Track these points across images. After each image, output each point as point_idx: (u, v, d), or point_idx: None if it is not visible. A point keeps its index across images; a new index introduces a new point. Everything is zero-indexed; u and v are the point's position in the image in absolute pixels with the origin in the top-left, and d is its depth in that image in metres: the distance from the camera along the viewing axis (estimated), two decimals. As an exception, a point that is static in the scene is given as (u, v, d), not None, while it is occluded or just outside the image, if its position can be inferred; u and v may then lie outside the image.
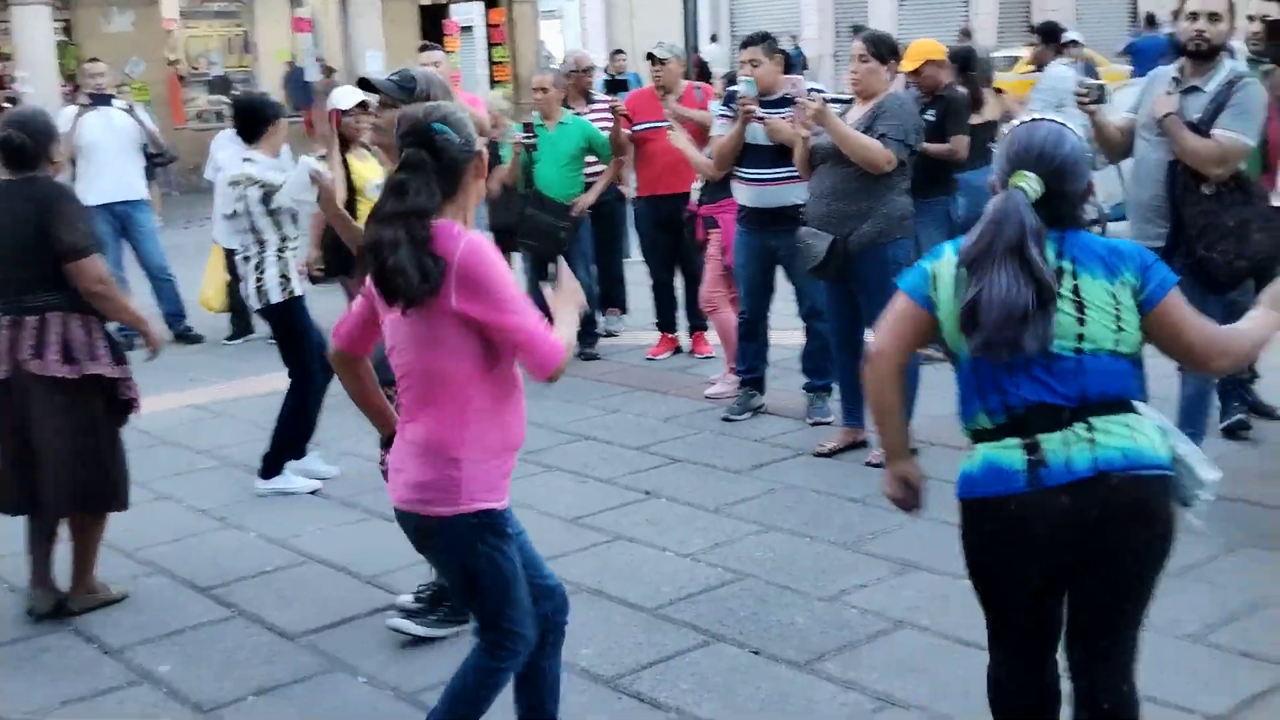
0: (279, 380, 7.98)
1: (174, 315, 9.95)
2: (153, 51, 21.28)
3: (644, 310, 9.03)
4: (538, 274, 8.72)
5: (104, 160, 9.58)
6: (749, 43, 6.99)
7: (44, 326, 4.71)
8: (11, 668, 4.52)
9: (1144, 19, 22.05)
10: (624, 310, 9.44)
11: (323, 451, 6.48)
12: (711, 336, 8.19)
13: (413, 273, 3.03)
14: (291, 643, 4.59)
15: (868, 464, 6.05)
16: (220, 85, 23.08)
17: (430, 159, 3.12)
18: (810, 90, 6.49)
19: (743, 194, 6.94)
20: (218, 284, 9.92)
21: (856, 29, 7.10)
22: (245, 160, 6.19)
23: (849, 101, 6.38)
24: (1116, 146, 5.62)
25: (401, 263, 3.02)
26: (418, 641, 4.50)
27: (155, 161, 10.68)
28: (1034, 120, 2.96)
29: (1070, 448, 2.82)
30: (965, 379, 2.96)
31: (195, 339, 9.86)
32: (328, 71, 21.44)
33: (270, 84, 22.90)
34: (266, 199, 6.02)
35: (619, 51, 17.55)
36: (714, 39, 22.63)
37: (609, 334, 9.13)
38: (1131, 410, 2.89)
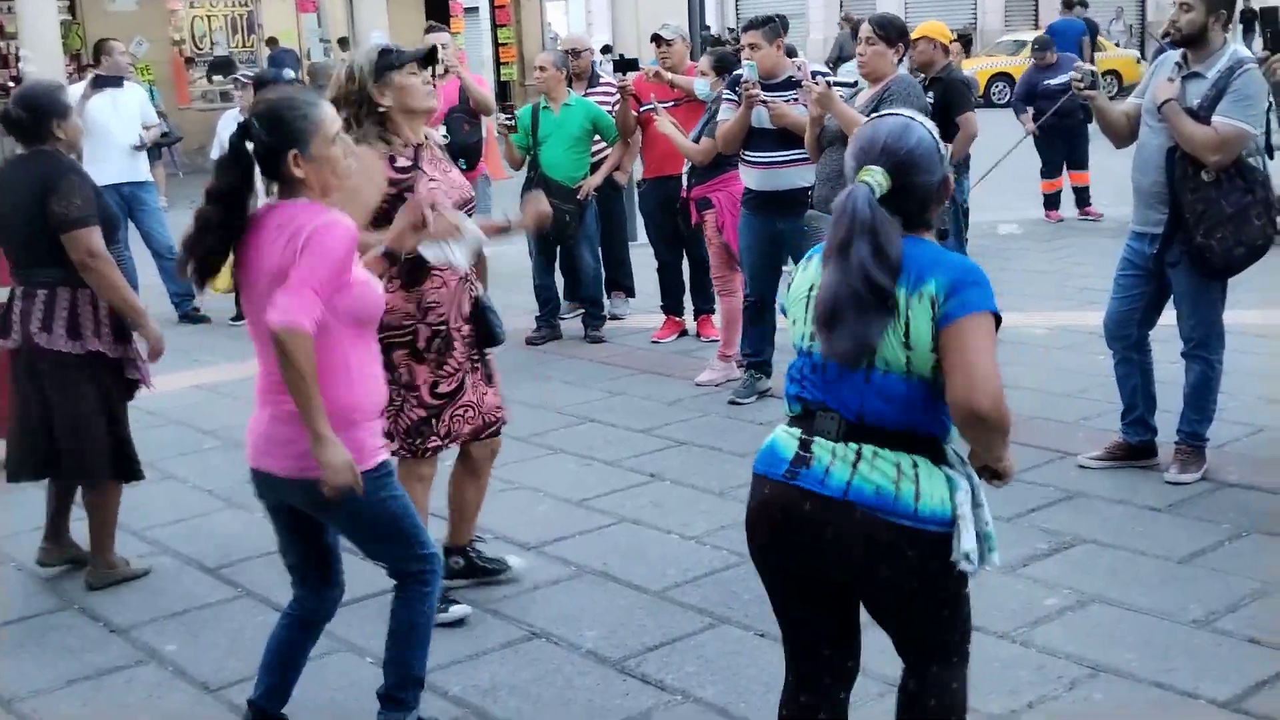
0: (284, 361, 8.01)
1: (181, 295, 9.96)
2: (157, 31, 21.27)
3: (649, 293, 9.02)
4: (544, 257, 8.72)
5: (110, 141, 9.57)
6: (750, 26, 6.99)
7: (53, 300, 4.77)
8: (18, 646, 4.53)
9: (1062, 1, 22.00)
10: (630, 293, 9.44)
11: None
12: (718, 320, 8.18)
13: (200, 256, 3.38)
14: (298, 623, 4.59)
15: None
16: (223, 65, 23.03)
17: (244, 147, 3.31)
18: (815, 74, 6.48)
19: (749, 177, 6.94)
20: (225, 265, 9.91)
21: (754, 23, 7.08)
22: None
23: (854, 85, 6.38)
24: (1121, 131, 5.61)
25: (194, 240, 3.38)
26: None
27: (159, 142, 10.68)
28: (880, 115, 2.85)
29: (834, 463, 2.74)
30: (788, 372, 2.93)
31: (201, 319, 9.87)
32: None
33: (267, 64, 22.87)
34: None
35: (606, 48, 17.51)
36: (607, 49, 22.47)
37: (614, 317, 9.12)
38: (919, 451, 2.73)
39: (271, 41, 23.12)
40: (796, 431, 2.83)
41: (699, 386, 7.42)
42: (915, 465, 2.72)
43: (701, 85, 7.55)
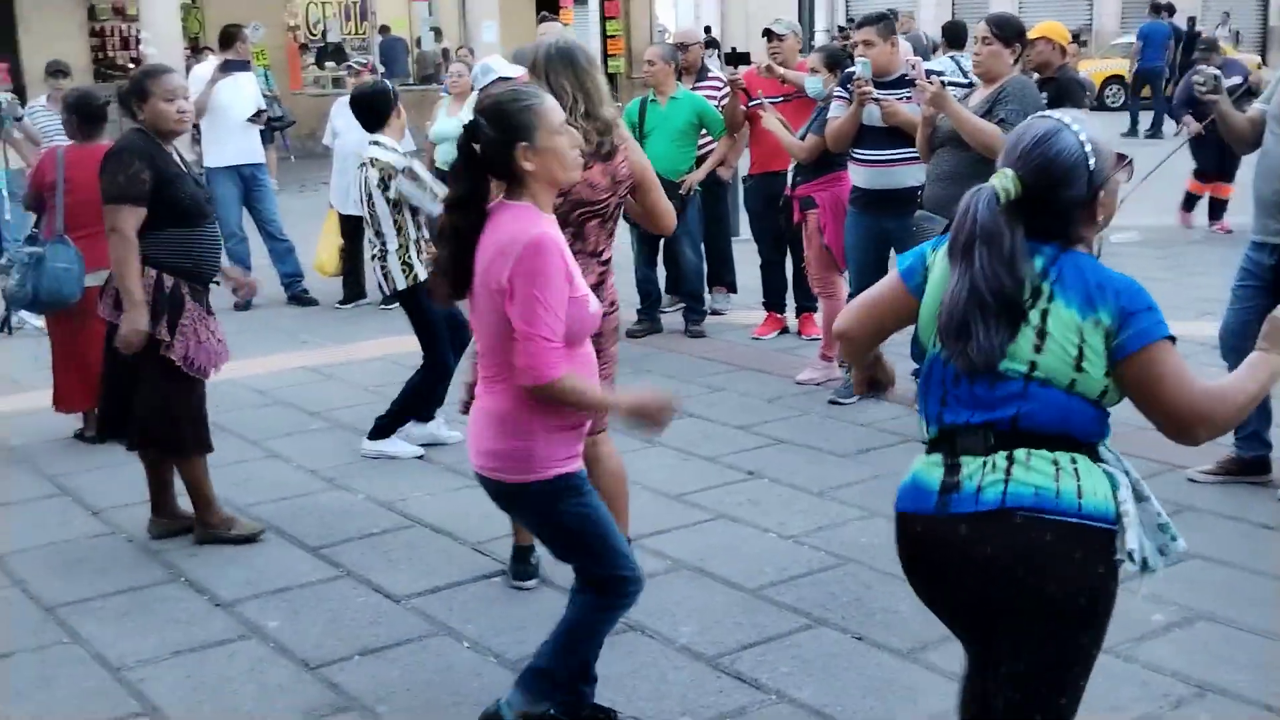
0: (389, 345, 8.14)
1: (290, 277, 10.13)
2: (273, 17, 21.61)
3: (752, 289, 8.99)
4: (646, 250, 8.73)
5: (231, 124, 9.77)
6: (864, 23, 6.93)
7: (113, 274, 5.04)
8: (125, 616, 4.63)
9: (1150, 5, 21.52)
10: (732, 289, 9.41)
11: (448, 415, 6.54)
12: (820, 319, 8.12)
13: (437, 265, 3.36)
14: (397, 605, 4.65)
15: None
16: (335, 52, 23.34)
17: (473, 148, 3.27)
18: (929, 73, 6.40)
19: (858, 175, 6.88)
20: (332, 249, 10.09)
21: (869, 20, 6.95)
22: (373, 144, 6.23)
23: (970, 85, 6.29)
24: (1245, 138, 5.47)
25: (446, 254, 3.32)
26: (521, 608, 4.55)
27: (272, 125, 10.87)
28: (1039, 116, 2.67)
29: (985, 476, 2.58)
30: (921, 379, 2.77)
31: (310, 302, 10.02)
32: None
33: (385, 51, 23.13)
34: (384, 184, 6.06)
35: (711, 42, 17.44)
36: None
37: (715, 312, 9.11)
38: (1073, 449, 2.60)
39: (384, 29, 23.40)
40: (938, 458, 2.67)
41: (799, 385, 7.38)
42: (1074, 462, 2.58)
43: (813, 82, 7.49)
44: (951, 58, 6.62)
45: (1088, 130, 2.60)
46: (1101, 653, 4.07)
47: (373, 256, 6.24)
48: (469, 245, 3.28)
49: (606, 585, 3.49)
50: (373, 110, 6.33)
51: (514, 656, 4.22)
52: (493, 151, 3.26)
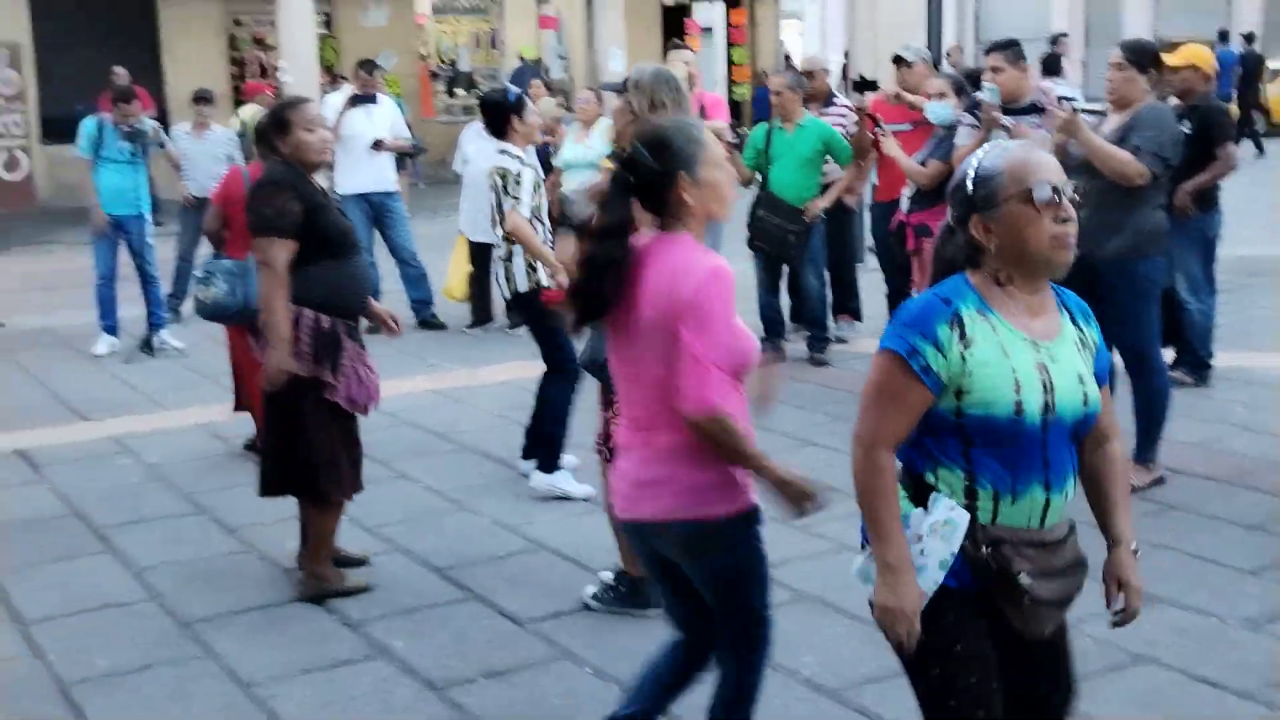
0: (515, 369, 8.23)
1: (421, 302, 10.31)
2: (405, 45, 22.09)
3: (878, 317, 8.91)
4: (770, 277, 8.71)
5: (361, 152, 10.00)
6: (994, 48, 6.85)
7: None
8: (256, 632, 4.75)
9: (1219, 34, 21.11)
10: (856, 317, 9.35)
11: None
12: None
13: (571, 293, 3.24)
14: (521, 628, 4.70)
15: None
16: (465, 80, 23.75)
17: (630, 177, 3.18)
18: (1061, 99, 6.30)
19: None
20: (461, 274, 10.25)
21: (998, 45, 6.81)
22: (501, 151, 6.32)
23: (1102, 111, 6.18)
24: None
25: (588, 283, 3.19)
26: (643, 635, 4.54)
27: (405, 152, 11.10)
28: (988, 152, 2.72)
29: None
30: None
31: (439, 326, 10.18)
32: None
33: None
34: (505, 187, 6.12)
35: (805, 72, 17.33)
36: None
37: (840, 340, 9.05)
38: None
39: (522, 57, 23.76)
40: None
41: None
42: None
43: (937, 107, 7.43)
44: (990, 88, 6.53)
45: (976, 156, 2.73)
46: (1240, 698, 3.98)
47: (499, 258, 6.26)
48: (614, 276, 3.15)
49: (754, 629, 3.35)
50: (493, 116, 6.43)
51: (635, 683, 4.23)
52: (652, 180, 3.16)
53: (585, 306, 3.23)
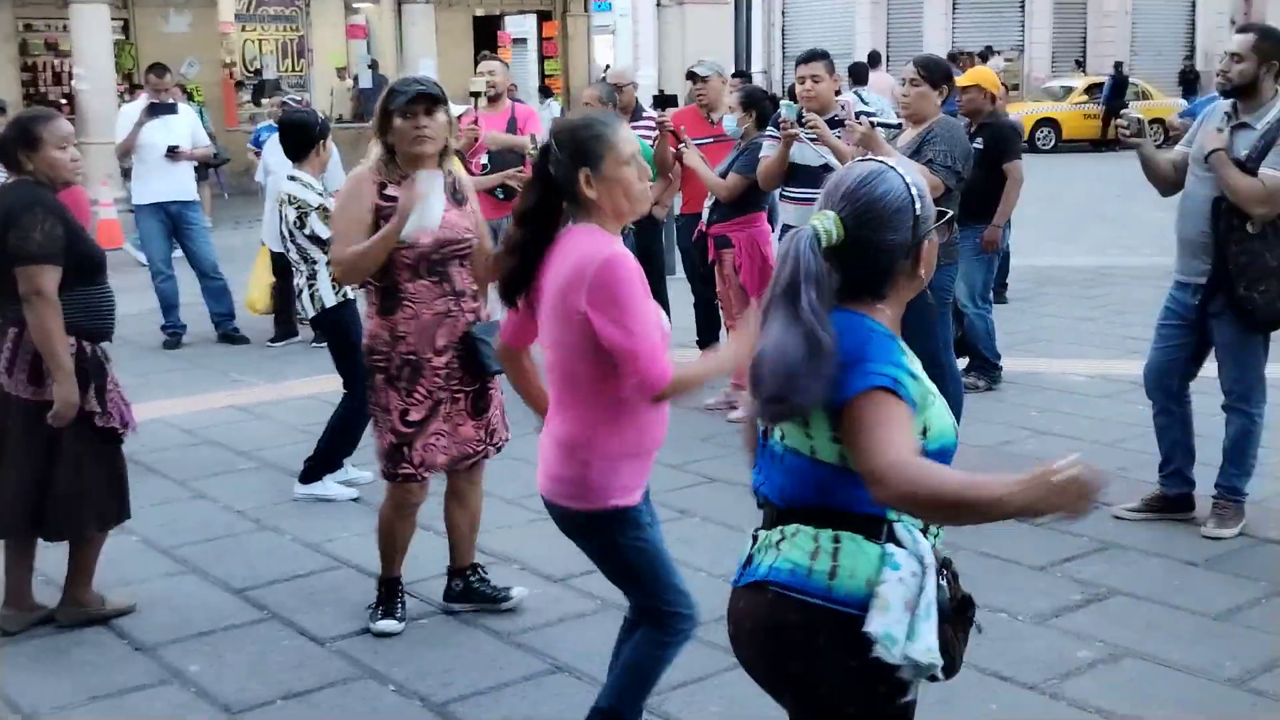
0: (321, 383, 8.05)
1: (222, 315, 10.02)
2: (208, 53, 21.52)
3: (686, 328, 8.99)
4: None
5: (158, 160, 9.69)
6: (810, 58, 6.96)
7: (19, 341, 4.54)
8: (41, 662, 4.54)
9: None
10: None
11: (357, 457, 6.48)
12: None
13: (503, 276, 3.40)
14: (322, 648, 4.59)
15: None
16: (272, 89, 23.25)
17: (546, 168, 3.34)
18: (859, 114, 6.46)
19: (788, 213, 6.94)
20: (263, 286, 10.00)
21: (815, 55, 6.99)
22: (290, 179, 6.23)
23: (897, 126, 6.36)
24: (1166, 181, 5.56)
25: (505, 267, 3.38)
26: (448, 650, 4.50)
27: (208, 162, 10.80)
28: (861, 160, 2.55)
29: (764, 550, 2.49)
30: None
31: (241, 340, 9.91)
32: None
33: (323, 89, 23.10)
34: (301, 221, 6.06)
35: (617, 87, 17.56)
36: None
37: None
38: (841, 524, 2.41)
39: (374, 64, 23.47)
40: (754, 528, 2.60)
41: (731, 422, 7.38)
42: (836, 540, 2.41)
43: (729, 121, 7.56)
44: (856, 93, 6.76)
45: (913, 175, 2.49)
46: (1026, 689, 4.12)
47: (302, 278, 6.18)
48: (532, 259, 3.34)
49: (661, 619, 3.50)
50: (299, 140, 6.31)
51: (440, 699, 4.17)
52: (561, 175, 3.31)
53: (503, 286, 3.43)
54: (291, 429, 7.42)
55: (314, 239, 6.08)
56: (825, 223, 2.40)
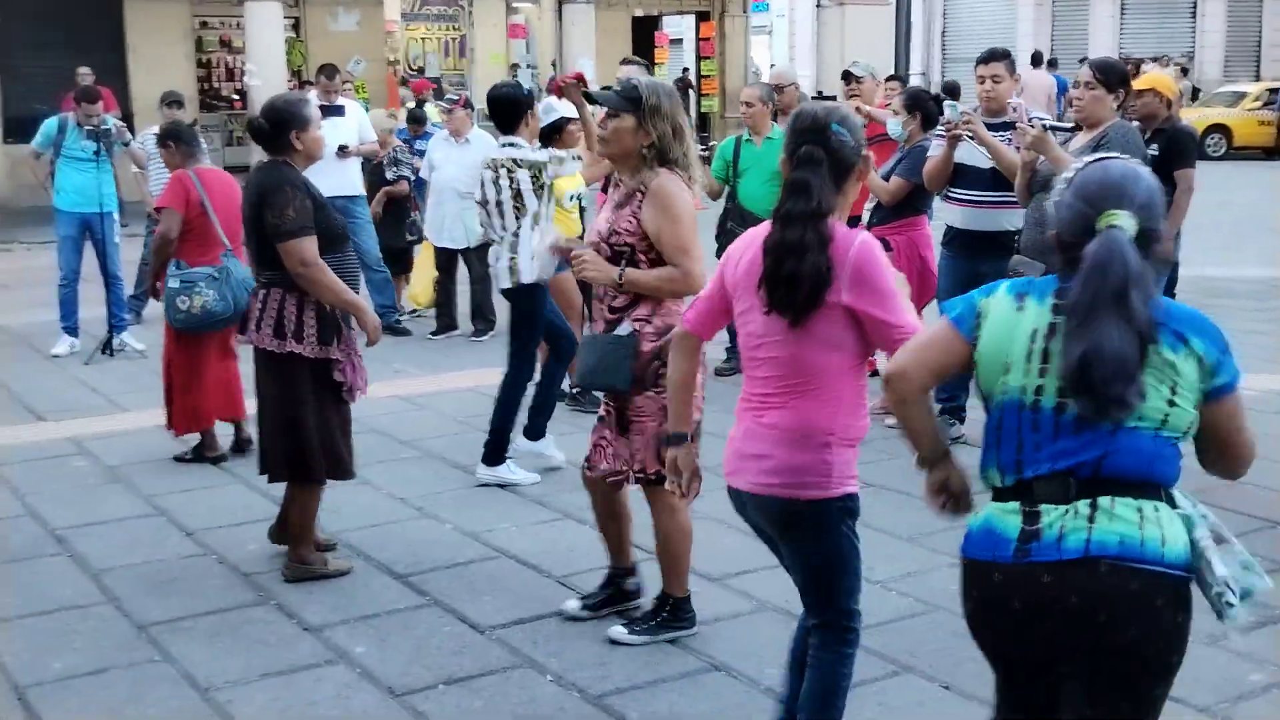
0: (479, 376, 8.20)
1: (384, 308, 10.25)
2: (374, 51, 22.03)
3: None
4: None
5: (326, 158, 9.89)
6: (991, 58, 6.86)
7: (266, 300, 5.04)
8: (215, 636, 4.70)
9: None
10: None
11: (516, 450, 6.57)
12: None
13: (808, 282, 3.15)
14: (482, 635, 4.67)
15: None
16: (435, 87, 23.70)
17: (826, 157, 3.22)
18: (1032, 117, 6.35)
19: (953, 215, 6.85)
20: (426, 281, 10.20)
21: (996, 54, 6.83)
22: (508, 144, 6.31)
23: (1074, 129, 6.22)
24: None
25: (804, 270, 3.15)
26: (606, 644, 4.54)
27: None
28: (1098, 159, 2.69)
29: (1067, 524, 2.58)
30: (990, 426, 2.74)
31: (403, 332, 10.13)
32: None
33: (482, 87, 23.45)
34: (536, 179, 6.15)
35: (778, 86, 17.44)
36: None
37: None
38: (1155, 496, 2.61)
39: (514, 68, 23.70)
40: (1014, 506, 2.66)
41: (889, 428, 7.31)
42: (1157, 510, 2.60)
43: (893, 124, 7.48)
44: (947, 104, 6.64)
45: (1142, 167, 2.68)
46: (1197, 711, 4.00)
47: (504, 246, 6.25)
48: (830, 260, 3.17)
49: (840, 623, 3.43)
50: (508, 111, 6.41)
51: (596, 691, 4.21)
52: (854, 160, 3.30)
53: (791, 291, 3.20)
54: (451, 420, 7.56)
55: (518, 200, 6.15)
56: (1125, 221, 2.55)
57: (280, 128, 5.07)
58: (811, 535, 3.34)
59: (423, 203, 10.55)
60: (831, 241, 3.17)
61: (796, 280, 3.15)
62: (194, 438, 6.83)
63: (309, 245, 4.92)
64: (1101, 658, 2.60)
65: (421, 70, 24.02)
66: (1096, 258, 2.52)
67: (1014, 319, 2.68)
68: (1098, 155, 2.75)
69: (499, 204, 6.23)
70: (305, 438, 5.06)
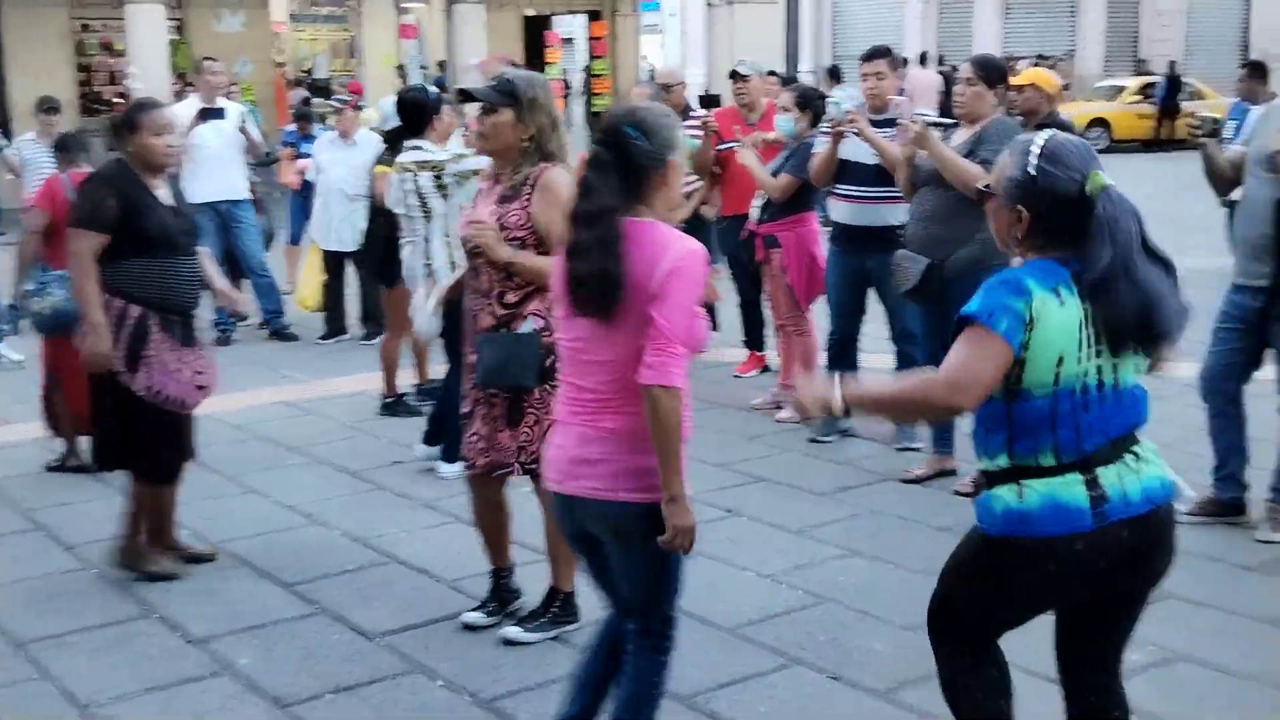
0: (369, 381, 8.11)
1: (272, 313, 10.11)
2: (261, 53, 21.72)
3: (734, 327, 8.99)
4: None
5: (209, 160, 9.76)
6: (872, 55, 6.92)
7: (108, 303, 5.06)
8: (97, 652, 4.59)
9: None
10: (714, 327, 9.40)
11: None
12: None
13: (593, 281, 3.07)
14: (371, 642, 4.61)
15: (955, 492, 5.97)
16: (323, 89, 23.41)
17: (613, 159, 3.13)
18: (915, 113, 6.43)
19: (839, 211, 6.91)
20: (314, 283, 10.07)
21: (878, 52, 6.94)
22: (413, 148, 6.23)
23: (954, 124, 6.31)
24: (1225, 181, 5.50)
25: (587, 271, 3.08)
26: (497, 646, 4.51)
27: (259, 163, 10.87)
28: (1053, 135, 2.91)
29: (1124, 480, 2.86)
30: (1034, 415, 2.82)
31: (291, 337, 9.99)
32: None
33: (375, 89, 23.20)
34: (438, 179, 6.05)
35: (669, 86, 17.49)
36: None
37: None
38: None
39: (399, 69, 23.48)
40: (1075, 476, 2.83)
41: (779, 423, 7.37)
42: (1152, 449, 2.95)
43: (783, 121, 7.52)
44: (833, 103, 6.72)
45: None
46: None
47: (416, 247, 6.12)
48: (619, 258, 3.07)
49: (658, 629, 3.38)
50: (417, 115, 6.34)
51: (489, 695, 4.19)
52: (645, 163, 3.14)
53: (603, 296, 3.12)
54: (340, 424, 7.47)
55: (445, 193, 6.06)
56: (1109, 178, 2.82)
57: (118, 127, 5.26)
58: (648, 539, 3.21)
59: (309, 205, 10.41)
60: (640, 245, 3.08)
61: (581, 281, 3.09)
62: (61, 444, 6.71)
63: (83, 239, 4.94)
64: (1151, 584, 3.00)
65: (309, 72, 23.73)
66: (1109, 215, 2.78)
67: (1061, 315, 2.81)
68: (1051, 133, 2.92)
69: (409, 208, 6.16)
70: (129, 434, 5.09)
